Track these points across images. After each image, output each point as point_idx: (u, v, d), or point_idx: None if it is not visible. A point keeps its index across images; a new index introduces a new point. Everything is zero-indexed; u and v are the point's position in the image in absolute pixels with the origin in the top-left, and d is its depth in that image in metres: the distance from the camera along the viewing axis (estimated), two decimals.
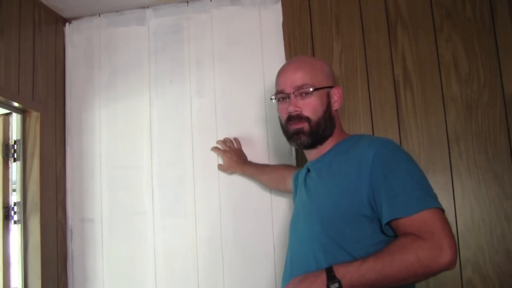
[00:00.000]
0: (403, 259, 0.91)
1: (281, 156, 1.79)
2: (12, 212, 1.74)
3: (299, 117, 1.16)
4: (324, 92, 1.18)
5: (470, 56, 1.64)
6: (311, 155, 1.23)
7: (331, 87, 1.21)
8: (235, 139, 1.83)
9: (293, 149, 1.77)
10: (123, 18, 2.01)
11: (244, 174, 1.78)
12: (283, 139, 1.25)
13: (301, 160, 1.74)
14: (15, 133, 1.79)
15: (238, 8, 1.91)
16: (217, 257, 1.79)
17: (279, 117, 1.25)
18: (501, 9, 1.62)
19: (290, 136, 1.19)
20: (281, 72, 1.23)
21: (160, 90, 1.93)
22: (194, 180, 1.85)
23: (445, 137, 1.63)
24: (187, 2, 1.96)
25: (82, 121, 1.99)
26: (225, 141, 1.81)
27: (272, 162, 1.79)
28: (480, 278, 1.53)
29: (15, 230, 1.74)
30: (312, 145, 1.19)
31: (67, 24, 2.06)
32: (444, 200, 1.56)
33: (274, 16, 1.86)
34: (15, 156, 1.77)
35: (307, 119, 1.16)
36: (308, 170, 1.26)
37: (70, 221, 1.94)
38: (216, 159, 1.84)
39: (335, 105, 1.21)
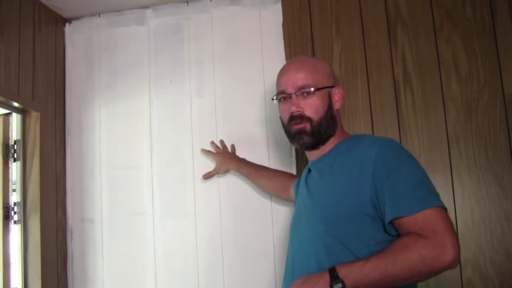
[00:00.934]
0: (406, 258, 0.91)
1: (281, 156, 1.78)
2: (12, 212, 1.74)
3: (301, 117, 1.16)
4: (326, 92, 1.19)
5: (470, 56, 1.64)
6: (312, 155, 1.23)
7: (332, 87, 1.21)
8: (232, 145, 1.82)
9: (293, 149, 1.77)
10: (123, 18, 2.01)
11: (239, 171, 1.74)
12: (283, 139, 1.26)
13: (301, 160, 1.74)
14: (15, 133, 1.79)
15: (238, 8, 1.91)
16: (217, 257, 1.79)
17: (280, 117, 1.25)
18: (501, 9, 1.63)
19: (293, 136, 1.19)
20: (282, 72, 1.23)
21: (160, 90, 1.93)
22: (194, 180, 1.85)
23: (445, 137, 1.63)
24: (187, 2, 1.96)
25: (82, 121, 1.99)
26: (218, 145, 1.81)
27: (272, 162, 1.79)
28: (480, 278, 1.53)
29: (15, 230, 1.74)
30: (314, 145, 1.19)
31: (67, 24, 2.06)
32: (444, 200, 1.49)
33: (274, 16, 1.86)
34: (15, 156, 1.77)
35: (309, 119, 1.16)
36: (309, 170, 1.26)
37: (70, 221, 1.94)
38: None
39: (337, 105, 1.22)
